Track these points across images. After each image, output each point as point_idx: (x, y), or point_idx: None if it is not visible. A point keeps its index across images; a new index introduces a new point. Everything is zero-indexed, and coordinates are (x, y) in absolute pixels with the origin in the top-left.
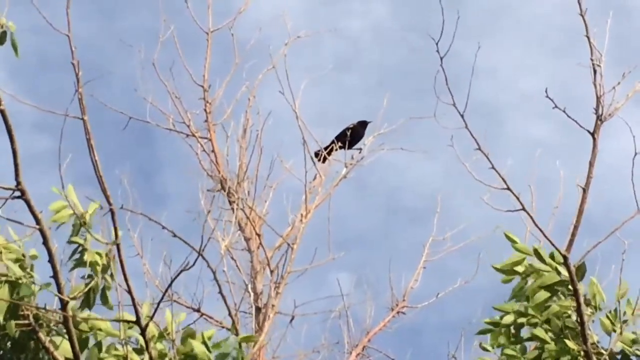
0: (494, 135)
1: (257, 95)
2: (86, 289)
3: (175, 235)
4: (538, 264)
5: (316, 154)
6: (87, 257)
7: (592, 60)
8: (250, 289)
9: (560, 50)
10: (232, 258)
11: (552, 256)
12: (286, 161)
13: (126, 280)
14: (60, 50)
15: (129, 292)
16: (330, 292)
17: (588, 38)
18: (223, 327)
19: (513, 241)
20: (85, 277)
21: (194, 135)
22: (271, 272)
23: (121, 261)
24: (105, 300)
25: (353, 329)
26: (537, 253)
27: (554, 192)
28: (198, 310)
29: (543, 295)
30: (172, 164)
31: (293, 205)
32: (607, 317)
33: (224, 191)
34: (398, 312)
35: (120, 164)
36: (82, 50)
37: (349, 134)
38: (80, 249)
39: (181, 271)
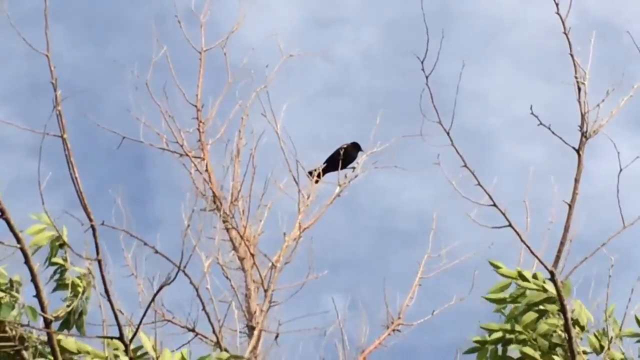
0: (485, 158)
1: (250, 115)
2: (68, 310)
3: (157, 252)
4: (524, 284)
5: (310, 174)
6: (67, 279)
7: (576, 77)
8: (244, 309)
9: (550, 73)
10: (226, 277)
11: (535, 277)
12: (280, 180)
13: (108, 297)
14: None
15: (112, 308)
16: (325, 315)
17: (572, 56)
18: (218, 346)
19: (497, 267)
20: (67, 298)
21: (187, 155)
22: (265, 291)
23: (103, 278)
24: (80, 325)
25: (348, 348)
26: (521, 276)
27: (548, 212)
28: (193, 330)
29: (531, 315)
30: (166, 185)
31: (287, 224)
32: (595, 335)
33: (218, 211)
34: (394, 330)
35: (114, 186)
36: (75, 76)
37: (342, 152)
38: (60, 269)
39: (162, 286)
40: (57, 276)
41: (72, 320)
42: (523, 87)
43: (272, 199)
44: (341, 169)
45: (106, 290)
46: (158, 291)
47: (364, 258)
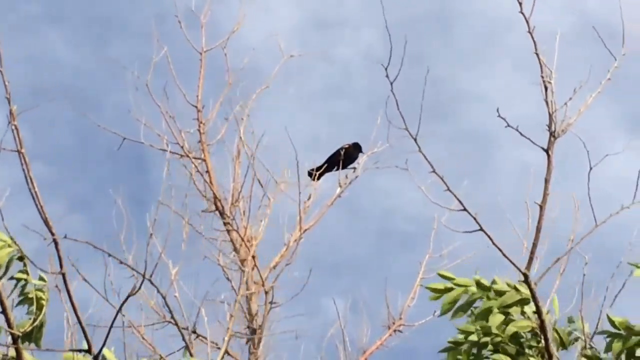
0: (488, 159)
1: (250, 115)
2: (33, 324)
3: (121, 262)
4: (497, 286)
5: (309, 174)
6: (31, 292)
7: (542, 77)
8: (245, 310)
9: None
10: (227, 278)
11: (494, 282)
12: (280, 182)
13: (74, 310)
14: (52, 79)
15: (79, 321)
16: (325, 317)
17: (537, 55)
18: (218, 348)
19: (450, 278)
20: (30, 311)
21: (187, 156)
22: (266, 293)
23: (68, 291)
24: (38, 337)
25: (349, 348)
26: (478, 284)
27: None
28: (194, 332)
29: (497, 318)
30: (166, 189)
31: (288, 225)
32: (556, 331)
33: (218, 212)
34: (395, 331)
35: (115, 187)
36: (75, 77)
37: (342, 153)
38: (23, 283)
39: (129, 296)
40: (18, 290)
41: (35, 333)
42: (523, 88)
43: (273, 200)
44: (341, 169)
45: (72, 304)
46: (124, 301)
47: (364, 259)
